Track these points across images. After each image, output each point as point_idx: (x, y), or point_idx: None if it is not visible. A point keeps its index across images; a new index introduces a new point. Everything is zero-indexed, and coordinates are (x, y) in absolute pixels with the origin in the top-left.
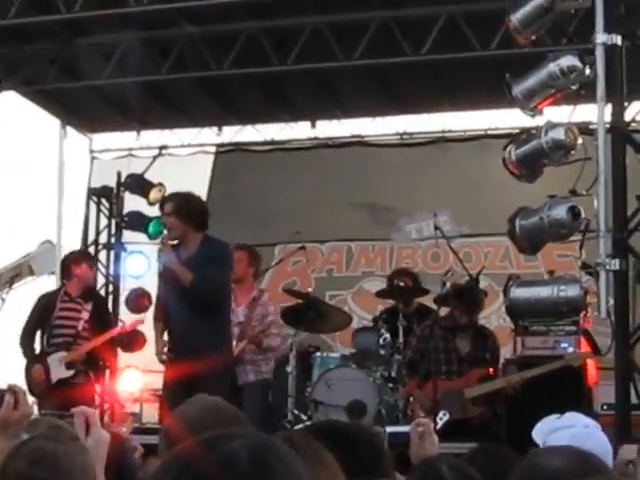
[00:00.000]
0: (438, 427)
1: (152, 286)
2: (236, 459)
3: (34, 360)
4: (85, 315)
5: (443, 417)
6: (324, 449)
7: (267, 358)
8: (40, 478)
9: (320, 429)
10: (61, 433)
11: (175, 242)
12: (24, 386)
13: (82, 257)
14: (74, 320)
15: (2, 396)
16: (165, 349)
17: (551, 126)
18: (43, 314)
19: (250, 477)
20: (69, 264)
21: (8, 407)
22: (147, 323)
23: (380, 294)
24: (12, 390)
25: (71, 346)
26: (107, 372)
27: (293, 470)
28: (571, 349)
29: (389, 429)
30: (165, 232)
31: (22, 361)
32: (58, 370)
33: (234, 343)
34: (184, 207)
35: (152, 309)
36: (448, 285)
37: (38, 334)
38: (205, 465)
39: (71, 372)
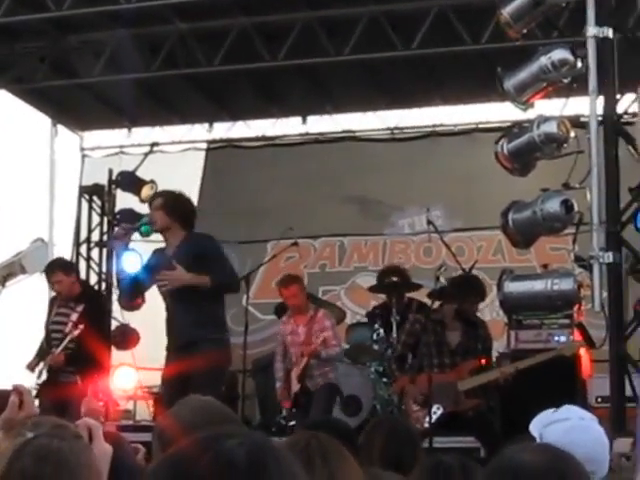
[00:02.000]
0: (432, 421)
1: None
2: (233, 458)
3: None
4: (74, 317)
5: (437, 411)
6: (343, 447)
7: (333, 367)
8: (46, 475)
9: (334, 428)
10: (65, 431)
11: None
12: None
13: (54, 266)
14: (63, 324)
15: (7, 397)
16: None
17: (543, 119)
18: (47, 317)
19: (247, 476)
20: (46, 275)
21: (13, 407)
22: (140, 319)
23: (372, 289)
24: (17, 390)
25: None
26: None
27: (289, 469)
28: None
29: None
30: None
31: (20, 359)
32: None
33: (296, 360)
34: (172, 204)
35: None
36: (442, 279)
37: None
38: (201, 464)
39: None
